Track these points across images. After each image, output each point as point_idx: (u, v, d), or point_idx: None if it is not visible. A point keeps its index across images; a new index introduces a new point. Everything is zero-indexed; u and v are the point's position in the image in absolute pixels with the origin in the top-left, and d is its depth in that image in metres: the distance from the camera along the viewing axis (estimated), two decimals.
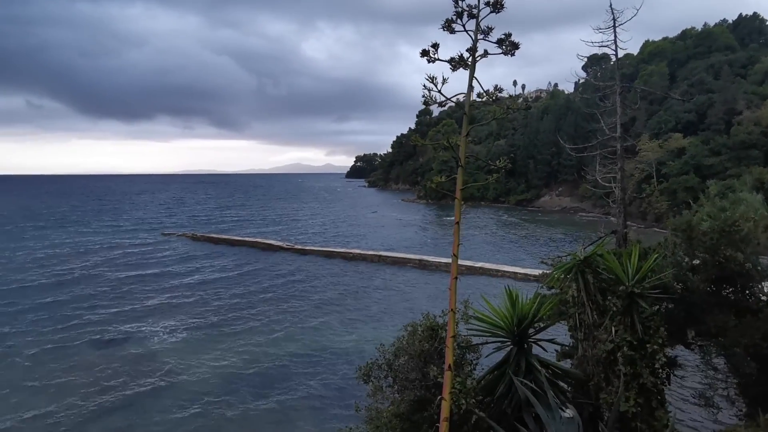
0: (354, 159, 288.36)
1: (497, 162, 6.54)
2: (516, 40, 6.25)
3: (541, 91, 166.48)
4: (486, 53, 6.31)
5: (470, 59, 6.32)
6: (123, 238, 55.94)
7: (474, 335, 6.69)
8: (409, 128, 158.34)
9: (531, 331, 6.53)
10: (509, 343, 6.50)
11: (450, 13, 6.15)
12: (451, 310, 5.58)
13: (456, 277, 5.87)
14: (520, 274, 34.40)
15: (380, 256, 43.29)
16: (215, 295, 30.98)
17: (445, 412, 5.33)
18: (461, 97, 6.64)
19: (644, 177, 67.46)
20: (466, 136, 6.47)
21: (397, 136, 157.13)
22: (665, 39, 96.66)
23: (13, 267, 38.80)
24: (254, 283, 34.31)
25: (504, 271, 35.77)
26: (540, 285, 8.43)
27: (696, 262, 8.20)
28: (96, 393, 17.33)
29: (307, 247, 48.61)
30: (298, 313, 27.18)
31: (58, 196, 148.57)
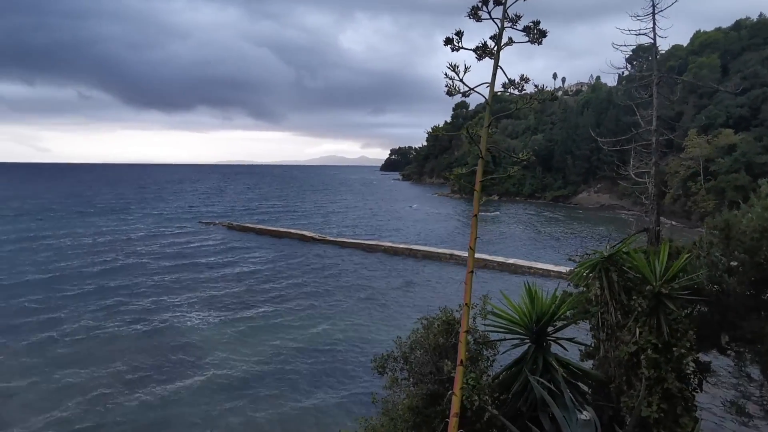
0: (389, 152, 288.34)
1: (520, 155, 6.39)
2: (544, 28, 6.05)
3: (582, 84, 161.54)
4: (511, 41, 6.13)
5: (495, 48, 6.16)
6: (163, 226, 57.97)
7: (492, 331, 6.58)
8: (445, 121, 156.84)
9: (550, 329, 6.36)
10: (527, 341, 6.36)
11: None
12: (466, 304, 5.50)
13: (472, 271, 5.76)
14: (553, 271, 33.64)
15: (411, 249, 43.25)
16: (251, 286, 31.59)
17: (455, 407, 5.26)
18: (487, 87, 6.50)
19: (690, 174, 64.60)
20: (488, 127, 6.34)
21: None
22: (718, 29, 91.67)
23: (62, 253, 40.78)
24: (288, 274, 34.85)
25: (537, 268, 35.09)
26: (567, 283, 8.21)
27: (733, 263, 7.76)
28: (134, 382, 17.86)
29: (340, 239, 49.05)
30: (330, 306, 27.47)
31: (105, 184, 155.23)
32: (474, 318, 6.31)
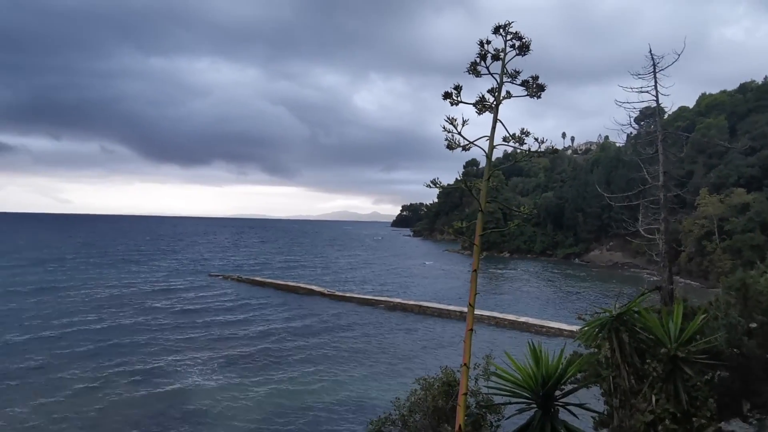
0: (400, 208, 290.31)
1: (521, 208, 6.25)
2: (542, 82, 6.08)
3: (591, 143, 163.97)
4: (509, 94, 6.16)
5: (494, 102, 6.18)
6: (174, 279, 57.79)
7: (495, 394, 6.16)
8: (456, 179, 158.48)
9: (558, 393, 5.94)
10: (534, 405, 5.93)
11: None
12: (465, 364, 5.18)
13: (471, 329, 5.49)
14: (566, 330, 32.53)
15: (421, 306, 42.44)
16: (261, 346, 30.58)
17: None
18: (487, 141, 6.45)
19: (704, 233, 63.66)
20: (488, 180, 6.25)
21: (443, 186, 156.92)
22: (723, 92, 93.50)
23: (70, 308, 39.43)
24: (298, 333, 34.01)
25: (549, 327, 34.05)
26: (578, 343, 7.80)
27: (753, 325, 7.34)
28: None
29: (348, 294, 48.42)
30: (340, 367, 26.59)
31: (120, 235, 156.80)
32: (476, 379, 5.94)
